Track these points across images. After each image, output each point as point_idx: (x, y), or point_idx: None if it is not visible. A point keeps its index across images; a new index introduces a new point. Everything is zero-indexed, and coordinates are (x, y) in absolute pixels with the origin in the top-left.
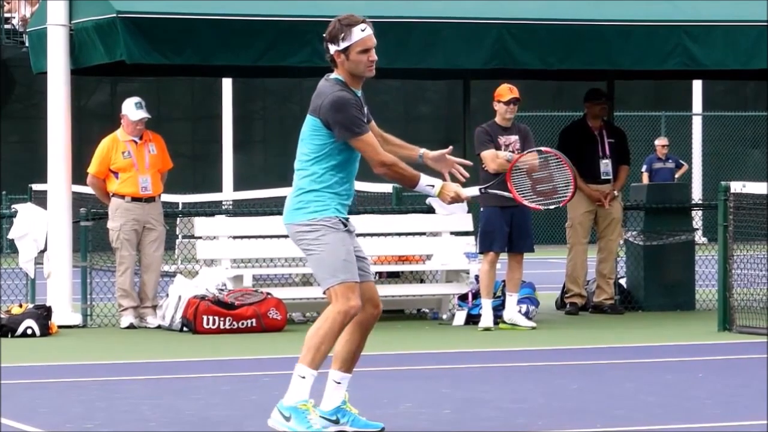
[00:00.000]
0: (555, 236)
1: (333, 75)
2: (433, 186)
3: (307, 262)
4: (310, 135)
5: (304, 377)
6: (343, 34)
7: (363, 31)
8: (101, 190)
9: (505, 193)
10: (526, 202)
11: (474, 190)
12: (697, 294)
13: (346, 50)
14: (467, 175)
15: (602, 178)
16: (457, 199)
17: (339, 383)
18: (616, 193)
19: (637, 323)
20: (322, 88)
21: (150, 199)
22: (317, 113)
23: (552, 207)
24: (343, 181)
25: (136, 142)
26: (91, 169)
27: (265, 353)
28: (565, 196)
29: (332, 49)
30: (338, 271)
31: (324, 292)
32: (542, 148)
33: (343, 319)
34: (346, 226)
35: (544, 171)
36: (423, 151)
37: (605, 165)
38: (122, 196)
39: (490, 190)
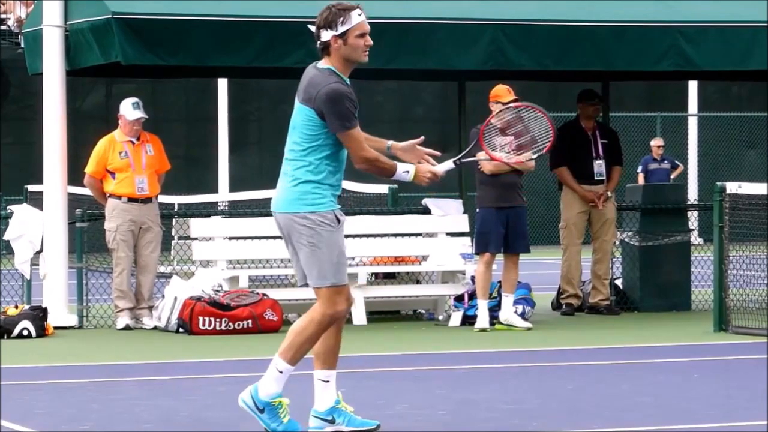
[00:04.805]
0: (551, 237)
1: (322, 64)
2: (408, 171)
3: (299, 252)
4: (303, 124)
5: (281, 372)
6: (341, 18)
7: (360, 15)
8: (98, 190)
9: (480, 156)
10: (505, 159)
11: (448, 164)
12: (693, 295)
13: (344, 35)
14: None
15: (596, 178)
16: (433, 178)
17: (327, 381)
18: (609, 193)
19: (633, 324)
20: (316, 78)
21: (146, 200)
22: (311, 103)
23: (535, 156)
24: (335, 170)
25: (133, 143)
26: (88, 169)
27: (261, 354)
28: (546, 144)
29: (328, 35)
30: (329, 273)
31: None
32: (511, 105)
33: (329, 322)
34: (339, 220)
35: (519, 125)
36: (391, 142)
37: (599, 166)
38: (119, 197)
39: (464, 160)
